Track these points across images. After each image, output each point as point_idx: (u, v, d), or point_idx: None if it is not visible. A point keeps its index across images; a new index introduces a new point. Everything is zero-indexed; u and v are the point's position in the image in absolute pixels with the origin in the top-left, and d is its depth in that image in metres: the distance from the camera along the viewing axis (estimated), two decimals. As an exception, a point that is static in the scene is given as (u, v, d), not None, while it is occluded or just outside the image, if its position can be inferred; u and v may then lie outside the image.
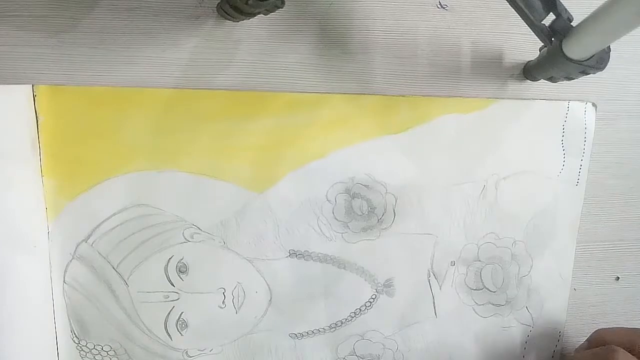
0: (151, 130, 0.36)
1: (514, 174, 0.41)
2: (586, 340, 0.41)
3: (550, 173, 0.41)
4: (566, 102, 0.41)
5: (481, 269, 0.41)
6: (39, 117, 0.34)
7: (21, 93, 0.34)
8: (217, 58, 0.36)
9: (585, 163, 0.41)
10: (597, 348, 0.39)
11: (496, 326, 0.41)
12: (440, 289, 0.40)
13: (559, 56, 0.34)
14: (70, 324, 0.36)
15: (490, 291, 0.41)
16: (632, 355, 0.36)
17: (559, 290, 0.42)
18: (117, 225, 0.36)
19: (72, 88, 0.35)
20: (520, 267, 0.41)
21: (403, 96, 0.39)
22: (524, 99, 0.40)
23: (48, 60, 0.34)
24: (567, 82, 0.38)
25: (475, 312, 0.41)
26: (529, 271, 0.42)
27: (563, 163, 0.41)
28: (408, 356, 0.40)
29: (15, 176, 0.34)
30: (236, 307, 0.38)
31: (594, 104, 0.41)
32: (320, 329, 0.39)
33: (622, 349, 0.37)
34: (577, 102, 0.41)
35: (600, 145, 0.42)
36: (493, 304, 0.41)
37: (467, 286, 0.41)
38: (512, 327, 0.42)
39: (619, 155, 0.42)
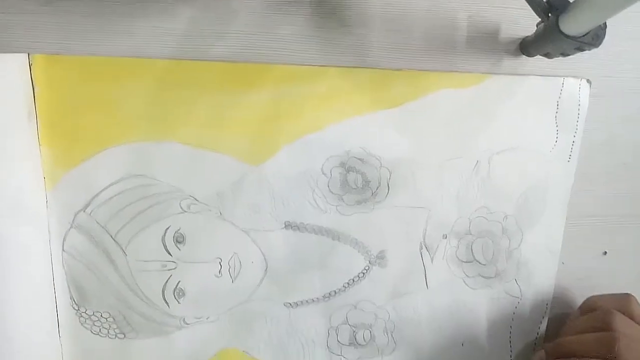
0: (147, 101, 0.36)
1: (507, 149, 0.41)
2: (578, 308, 0.42)
3: (543, 149, 0.42)
4: (561, 79, 0.41)
5: (472, 242, 0.42)
6: (35, 87, 0.34)
7: (17, 62, 0.34)
8: (214, 29, 0.36)
9: (578, 139, 0.42)
10: (593, 312, 0.40)
11: (485, 298, 0.43)
12: (432, 261, 0.41)
13: (555, 32, 0.34)
14: (70, 292, 0.37)
15: (481, 264, 0.42)
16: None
17: (548, 264, 0.43)
18: (115, 195, 0.36)
19: (68, 57, 0.35)
20: (510, 241, 0.42)
21: (399, 70, 0.39)
22: (520, 75, 0.40)
23: (44, 29, 0.34)
24: (563, 58, 0.38)
25: (466, 284, 0.42)
26: (519, 245, 0.42)
27: (556, 139, 0.42)
28: (399, 326, 0.41)
29: (12, 145, 0.34)
30: (232, 276, 0.39)
31: (588, 81, 0.41)
32: (314, 299, 0.40)
33: (617, 312, 0.38)
34: (572, 78, 0.41)
35: (592, 122, 0.42)
36: (483, 277, 0.42)
37: (458, 259, 0.42)
38: (500, 299, 0.43)
39: (610, 131, 0.43)
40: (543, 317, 0.43)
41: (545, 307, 0.43)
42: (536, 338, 0.43)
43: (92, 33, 0.35)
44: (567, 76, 0.41)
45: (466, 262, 0.42)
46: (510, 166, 0.41)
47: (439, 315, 0.42)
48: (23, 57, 0.34)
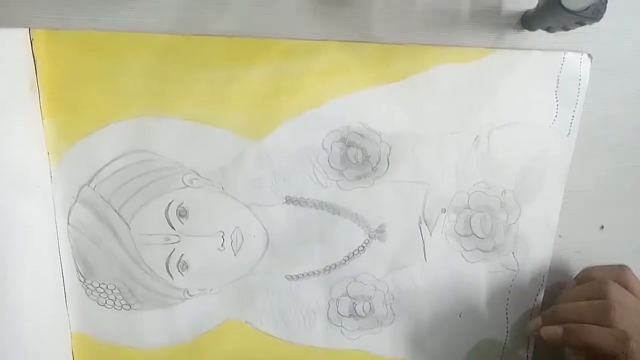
0: (148, 76, 0.36)
1: (507, 124, 0.41)
2: (574, 278, 0.43)
3: (543, 123, 0.42)
4: (562, 53, 0.41)
5: (471, 217, 0.42)
6: (37, 61, 0.34)
7: (18, 36, 0.34)
8: (214, 3, 0.36)
9: (578, 114, 0.42)
10: (589, 282, 0.40)
11: (483, 271, 0.43)
12: (431, 235, 0.42)
13: (557, 6, 0.34)
14: (76, 264, 0.38)
15: (479, 238, 0.43)
16: None
17: (545, 238, 0.44)
18: (118, 170, 0.37)
19: (69, 32, 0.35)
20: (508, 215, 0.43)
21: (400, 44, 0.39)
22: (521, 49, 0.40)
23: (44, 4, 0.34)
24: (564, 32, 0.38)
25: (464, 258, 0.43)
26: (517, 219, 0.43)
27: (556, 114, 0.42)
28: (398, 297, 0.42)
29: (16, 119, 0.34)
30: (234, 250, 0.39)
31: (589, 55, 0.41)
32: (315, 271, 0.41)
33: (613, 282, 0.39)
34: (573, 52, 0.41)
35: (592, 96, 0.42)
36: (481, 250, 0.43)
37: (457, 233, 0.42)
38: (498, 272, 0.44)
39: (610, 106, 0.43)
40: (539, 290, 0.44)
41: (541, 280, 0.44)
42: (532, 309, 0.44)
43: (93, 8, 0.35)
44: (568, 50, 0.41)
45: (464, 236, 0.43)
46: (510, 141, 0.41)
47: (437, 287, 0.43)
48: (24, 31, 0.34)
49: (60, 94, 0.35)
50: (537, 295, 0.44)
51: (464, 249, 0.43)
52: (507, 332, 0.44)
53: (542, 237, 0.44)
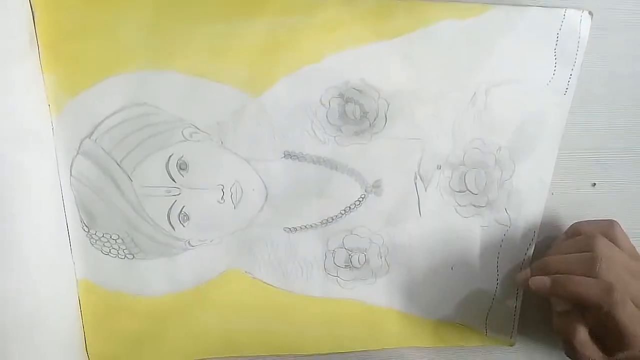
0: (148, 29, 0.36)
1: (505, 81, 0.41)
2: (564, 233, 0.44)
3: (541, 81, 0.42)
4: (562, 10, 0.40)
5: (465, 173, 0.43)
6: (35, 12, 0.34)
7: (15, -14, 0.33)
8: (212, -46, 0.35)
9: (576, 72, 0.42)
10: (577, 237, 0.41)
11: (476, 225, 0.44)
12: (426, 190, 0.43)
13: (558, -40, 0.33)
14: (80, 215, 0.39)
15: (473, 193, 0.44)
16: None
17: (537, 194, 0.45)
18: (119, 123, 0.37)
19: (67, -18, 0.34)
20: (502, 172, 0.43)
21: (400, 0, 0.38)
22: (521, 5, 0.40)
23: (40, -47, 0.34)
24: (565, -12, 0.38)
25: (457, 213, 0.44)
26: (511, 176, 0.44)
27: (554, 72, 0.42)
28: (393, 250, 0.44)
29: (15, 72, 0.34)
30: (234, 202, 0.40)
31: (590, 13, 0.41)
32: (312, 224, 0.42)
33: (601, 236, 0.39)
34: (574, 9, 0.41)
35: (591, 54, 0.42)
36: (474, 206, 0.44)
37: (451, 188, 0.43)
38: (490, 227, 0.45)
39: (609, 64, 0.43)
40: (530, 244, 0.45)
41: (532, 235, 0.45)
42: (522, 262, 0.45)
43: (89, -43, 0.34)
44: (568, 7, 0.41)
45: (459, 192, 0.43)
46: (507, 99, 0.42)
47: (430, 241, 0.44)
48: (21, -19, 0.34)
49: (59, 46, 0.35)
50: (528, 249, 0.46)
51: (458, 204, 0.44)
52: (497, 283, 0.46)
53: (534, 194, 0.44)
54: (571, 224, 0.44)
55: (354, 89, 0.40)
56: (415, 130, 0.41)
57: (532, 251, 0.45)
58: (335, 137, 0.41)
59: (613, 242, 0.40)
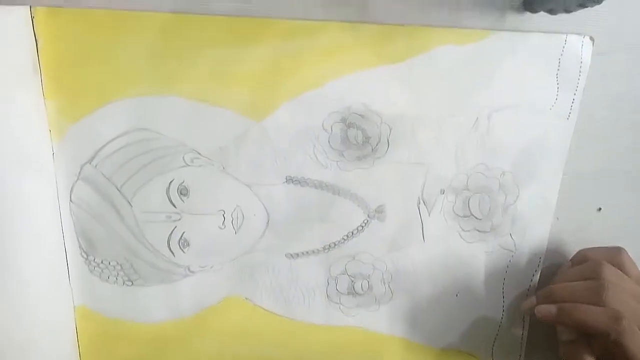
0: (149, 55, 0.36)
1: (508, 106, 0.41)
2: (569, 260, 0.43)
3: (543, 106, 0.42)
4: (564, 36, 0.41)
5: (469, 198, 0.43)
6: (38, 40, 0.35)
7: (19, 14, 0.34)
8: (215, -18, 0.36)
9: (578, 97, 0.42)
10: (583, 264, 0.41)
11: (480, 251, 0.44)
12: (429, 215, 0.42)
13: (559, -13, 0.34)
14: (78, 241, 0.39)
15: (477, 218, 0.43)
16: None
17: (542, 219, 0.44)
18: (120, 149, 0.37)
19: (70, 10, 0.35)
20: (506, 197, 0.43)
21: (401, 25, 0.39)
22: (523, 31, 0.40)
23: (44, -19, 0.34)
24: (566, 15, 0.38)
25: (461, 238, 0.43)
26: (515, 200, 0.43)
27: (556, 97, 0.42)
28: (396, 276, 0.43)
29: (18, 98, 0.35)
30: (235, 228, 0.40)
31: (591, 38, 0.41)
32: (314, 250, 0.42)
33: (607, 263, 0.39)
34: (575, 35, 0.41)
35: (593, 79, 0.42)
36: (478, 231, 0.43)
37: (455, 213, 0.43)
38: (495, 252, 0.44)
39: (611, 89, 0.43)
40: (536, 270, 0.45)
41: (538, 261, 0.45)
42: (528, 289, 0.45)
43: (93, -15, 0.35)
44: (569, 33, 0.41)
45: (463, 216, 0.43)
46: (510, 123, 0.42)
47: (434, 267, 0.43)
48: (25, 9, 0.34)
49: (61, 72, 0.35)
50: (534, 275, 0.45)
51: (462, 229, 0.43)
52: (503, 310, 0.45)
53: (539, 219, 0.44)
54: (577, 250, 0.43)
55: (356, 113, 0.40)
56: (418, 155, 0.41)
57: (539, 278, 0.45)
58: (337, 162, 0.40)
59: (620, 269, 0.39)
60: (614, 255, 0.40)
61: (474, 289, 0.44)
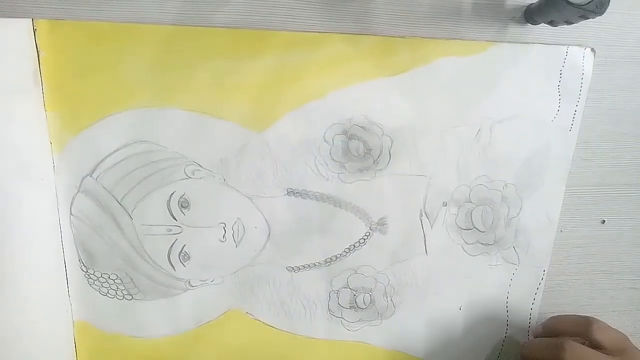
0: (151, 66, 0.36)
1: (509, 117, 0.41)
2: (541, 325, 0.43)
3: (545, 118, 0.42)
4: (565, 47, 0.41)
5: (472, 210, 0.42)
6: (40, 52, 0.35)
7: (21, 27, 0.34)
8: (217, -5, 0.36)
9: (580, 109, 0.42)
10: (549, 339, 0.41)
11: (483, 264, 0.43)
12: (432, 228, 0.42)
13: (560, -1, 0.34)
14: (78, 254, 0.38)
15: (480, 231, 0.43)
16: (582, 344, 0.38)
17: (546, 232, 0.44)
18: (120, 161, 0.37)
19: (72, 23, 0.35)
20: (509, 209, 0.43)
21: (402, 37, 0.39)
22: (524, 43, 0.40)
23: (47, -6, 0.34)
24: (567, 26, 0.38)
25: (464, 251, 0.43)
26: (518, 213, 0.43)
27: (558, 108, 0.42)
28: (399, 290, 0.43)
29: (19, 110, 0.35)
30: (236, 241, 0.40)
31: (592, 49, 0.41)
32: (316, 263, 0.41)
33: (571, 340, 0.38)
34: (576, 47, 0.41)
35: (595, 91, 0.42)
36: (482, 243, 0.43)
37: (458, 226, 0.42)
38: (498, 265, 0.44)
39: (613, 101, 0.43)
40: (539, 284, 0.44)
41: (542, 274, 0.44)
42: (532, 303, 0.44)
43: (95, -2, 0.35)
44: (571, 45, 0.41)
45: (465, 229, 0.43)
46: (512, 135, 0.41)
47: (437, 280, 0.43)
48: (27, 22, 0.34)
49: (63, 84, 0.35)
50: (537, 289, 0.44)
51: (465, 242, 0.43)
52: (507, 326, 0.44)
53: (543, 231, 0.44)
54: (582, 263, 0.43)
55: (357, 125, 0.40)
56: (420, 166, 0.41)
57: (543, 292, 0.44)
58: (339, 174, 0.40)
59: (589, 341, 0.39)
60: (585, 328, 0.39)
61: (477, 303, 0.44)
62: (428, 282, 0.43)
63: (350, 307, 0.42)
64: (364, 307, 0.42)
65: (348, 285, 0.42)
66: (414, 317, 0.43)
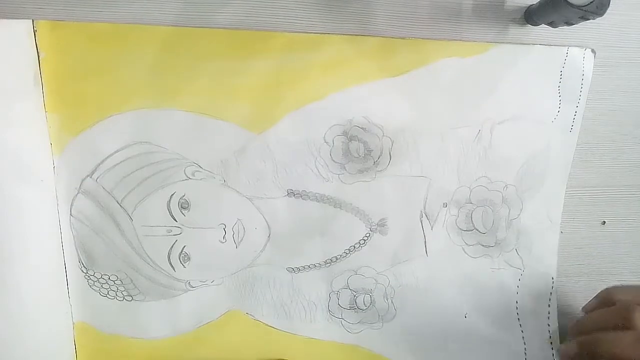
0: (151, 68, 0.36)
1: (510, 118, 0.41)
2: (594, 298, 0.41)
3: (545, 119, 0.42)
4: (565, 48, 0.41)
5: (472, 211, 0.42)
6: (40, 53, 0.35)
7: (21, 28, 0.34)
8: (217, -4, 0.36)
9: (580, 110, 0.42)
10: (613, 307, 0.38)
11: (485, 267, 0.43)
12: (432, 229, 0.42)
13: (560, 0, 0.34)
14: (78, 255, 0.38)
15: (480, 232, 0.43)
16: None
17: (548, 234, 0.44)
18: (120, 162, 0.37)
19: (72, 24, 0.35)
20: (510, 210, 0.43)
21: (403, 38, 0.39)
22: (524, 44, 0.40)
23: (47, -5, 0.34)
24: (567, 27, 0.38)
25: (465, 252, 0.43)
26: (519, 214, 0.43)
27: (558, 109, 0.42)
28: (399, 291, 0.42)
29: (19, 111, 0.35)
30: (236, 242, 0.40)
31: (592, 51, 0.41)
32: (316, 264, 0.41)
33: (639, 307, 0.35)
34: (576, 47, 0.41)
35: (595, 92, 0.42)
36: (483, 245, 0.43)
37: (458, 227, 0.42)
38: (502, 269, 0.43)
39: (613, 102, 0.43)
40: (550, 293, 0.44)
41: (551, 280, 0.44)
42: (548, 316, 0.43)
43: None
44: (571, 46, 0.41)
45: (466, 230, 0.43)
46: (512, 136, 0.41)
47: (438, 282, 0.43)
48: (27, 23, 0.34)
49: (63, 85, 0.35)
50: (550, 299, 0.44)
51: (466, 243, 0.43)
52: (525, 341, 0.43)
53: (545, 233, 0.43)
54: (583, 264, 0.43)
55: (357, 126, 0.40)
56: (420, 167, 0.41)
57: (556, 303, 0.43)
58: (339, 175, 0.40)
59: None
60: None
61: (484, 310, 0.43)
62: (428, 283, 0.43)
63: (351, 308, 0.42)
64: (364, 308, 0.42)
65: (348, 286, 0.42)
66: (416, 322, 0.43)
